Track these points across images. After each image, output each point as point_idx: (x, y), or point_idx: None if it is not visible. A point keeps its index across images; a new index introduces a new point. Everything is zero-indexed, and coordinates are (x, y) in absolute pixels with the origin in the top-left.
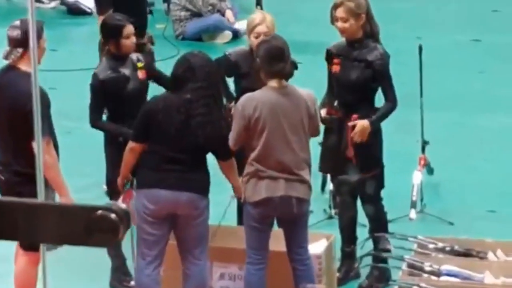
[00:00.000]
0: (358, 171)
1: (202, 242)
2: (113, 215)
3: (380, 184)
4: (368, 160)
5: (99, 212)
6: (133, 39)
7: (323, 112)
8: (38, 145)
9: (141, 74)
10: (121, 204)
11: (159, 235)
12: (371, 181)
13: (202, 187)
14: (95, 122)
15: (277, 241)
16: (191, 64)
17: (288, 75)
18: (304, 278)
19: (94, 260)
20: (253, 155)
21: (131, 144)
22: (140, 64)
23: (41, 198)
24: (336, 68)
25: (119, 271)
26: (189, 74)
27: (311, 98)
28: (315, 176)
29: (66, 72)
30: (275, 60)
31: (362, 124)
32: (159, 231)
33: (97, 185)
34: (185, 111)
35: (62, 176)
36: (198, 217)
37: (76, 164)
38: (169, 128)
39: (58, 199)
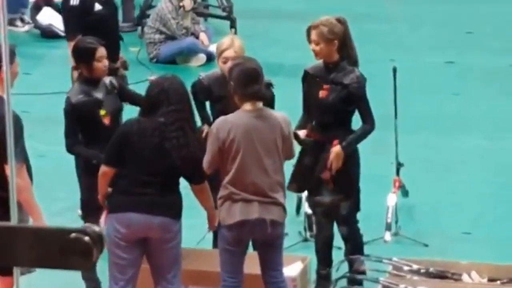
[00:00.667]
0: (332, 192)
1: (175, 266)
2: (86, 238)
3: (356, 206)
4: (343, 183)
5: (73, 234)
6: (106, 62)
7: (302, 133)
8: (11, 168)
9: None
10: (95, 226)
11: (131, 259)
12: (346, 203)
13: (174, 210)
14: (71, 148)
15: (252, 263)
16: (164, 87)
17: (262, 97)
18: None
19: (69, 284)
20: (227, 178)
21: (103, 168)
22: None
23: (14, 221)
24: (323, 94)
25: None
26: (162, 97)
27: (285, 121)
28: (290, 199)
29: (39, 95)
30: (249, 82)
31: (335, 151)
32: (131, 255)
33: (71, 209)
34: (159, 134)
35: (36, 200)
36: (170, 241)
37: (49, 188)
38: (142, 152)
39: (32, 223)
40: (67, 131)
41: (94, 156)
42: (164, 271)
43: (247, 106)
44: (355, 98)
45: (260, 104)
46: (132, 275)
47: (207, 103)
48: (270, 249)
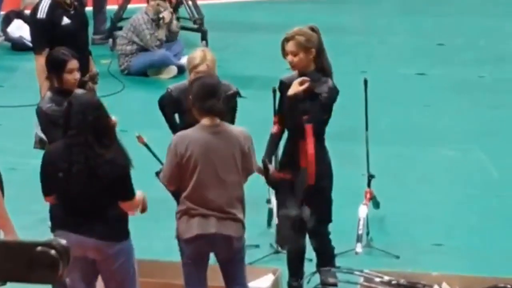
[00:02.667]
0: (300, 205)
1: (125, 287)
2: (52, 251)
3: (326, 218)
4: (312, 195)
5: (39, 248)
6: (76, 75)
7: (272, 169)
8: None
9: None
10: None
11: (77, 276)
12: (317, 215)
13: (109, 234)
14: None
15: (219, 276)
16: (71, 109)
17: (219, 112)
18: None
19: None
20: (185, 193)
21: (46, 199)
22: None
23: None
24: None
25: None
26: (67, 119)
27: (244, 136)
28: (261, 211)
29: (10, 108)
30: (206, 97)
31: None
32: (75, 272)
33: (43, 222)
34: (67, 159)
35: (7, 214)
36: (112, 264)
37: (21, 201)
38: (59, 178)
39: (2, 236)
40: (44, 130)
41: None
42: None
43: (205, 121)
44: (320, 104)
45: (217, 120)
46: None
47: (177, 116)
48: (231, 264)
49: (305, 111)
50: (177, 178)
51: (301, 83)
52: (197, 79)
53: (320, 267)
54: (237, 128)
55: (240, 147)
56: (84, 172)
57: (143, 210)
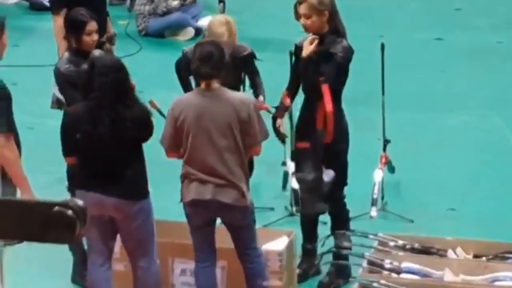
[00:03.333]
0: (316, 169)
1: (143, 247)
2: (69, 212)
3: (342, 182)
4: (329, 158)
5: (56, 208)
6: (95, 37)
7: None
8: None
9: None
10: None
11: (97, 234)
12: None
13: (128, 193)
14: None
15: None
16: (93, 71)
17: (206, 77)
18: (253, 276)
19: (57, 255)
20: (184, 158)
21: (66, 160)
22: None
23: None
24: None
25: (81, 266)
26: (89, 81)
27: (243, 102)
28: (277, 174)
29: (28, 68)
30: (202, 62)
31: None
32: (95, 230)
33: (60, 182)
34: (90, 121)
35: (24, 173)
36: (131, 223)
37: (38, 161)
38: (83, 139)
39: (19, 196)
40: (64, 96)
41: None
42: (133, 251)
43: (202, 85)
44: (335, 64)
45: (215, 85)
46: (103, 249)
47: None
48: (237, 230)
49: (320, 73)
50: (175, 142)
51: (311, 42)
52: (198, 44)
53: (334, 231)
54: (236, 94)
55: (237, 114)
56: (108, 134)
57: None
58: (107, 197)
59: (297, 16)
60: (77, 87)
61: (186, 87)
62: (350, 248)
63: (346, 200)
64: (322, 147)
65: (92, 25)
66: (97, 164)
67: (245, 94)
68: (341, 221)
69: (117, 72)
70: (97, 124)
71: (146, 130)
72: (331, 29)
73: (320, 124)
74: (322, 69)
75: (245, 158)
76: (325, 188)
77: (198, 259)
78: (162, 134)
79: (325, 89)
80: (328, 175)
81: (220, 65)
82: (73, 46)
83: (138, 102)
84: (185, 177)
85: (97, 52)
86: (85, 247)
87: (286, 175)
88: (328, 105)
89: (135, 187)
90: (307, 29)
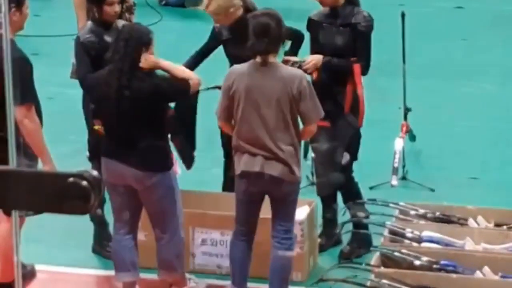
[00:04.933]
0: (330, 139)
1: (164, 220)
2: (84, 182)
3: (355, 155)
4: (343, 130)
5: (71, 179)
6: (117, 7)
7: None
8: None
9: None
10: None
11: (120, 203)
12: (343, 150)
13: (146, 164)
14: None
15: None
16: (119, 35)
17: (260, 53)
18: (276, 261)
19: (77, 225)
20: (235, 128)
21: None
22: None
23: (12, 164)
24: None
25: (101, 237)
26: (113, 44)
27: (296, 78)
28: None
29: (48, 37)
30: (258, 37)
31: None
32: (119, 198)
33: (80, 151)
34: (110, 85)
35: (45, 143)
36: (151, 195)
37: (59, 130)
38: (106, 104)
39: (41, 166)
40: (77, 63)
41: None
42: (154, 222)
43: (258, 59)
44: (360, 36)
45: (270, 59)
46: (127, 218)
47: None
48: (280, 204)
49: (343, 46)
50: (227, 112)
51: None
52: (253, 17)
53: (346, 201)
54: (288, 70)
55: (287, 90)
56: (127, 99)
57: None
58: (127, 166)
59: None
60: (91, 57)
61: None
62: (368, 217)
63: (366, 169)
64: (347, 134)
65: None
66: (117, 132)
67: (298, 70)
68: (350, 194)
69: (139, 38)
70: (116, 88)
71: (163, 99)
72: (347, 0)
73: (348, 108)
74: (343, 41)
75: (296, 136)
76: (338, 159)
77: (237, 232)
78: (218, 103)
79: (357, 69)
80: (344, 157)
81: (278, 38)
82: (95, 17)
83: (153, 75)
84: (236, 149)
85: (120, 23)
86: (105, 217)
87: (307, 143)
88: (360, 90)
89: (153, 158)
90: (323, 2)
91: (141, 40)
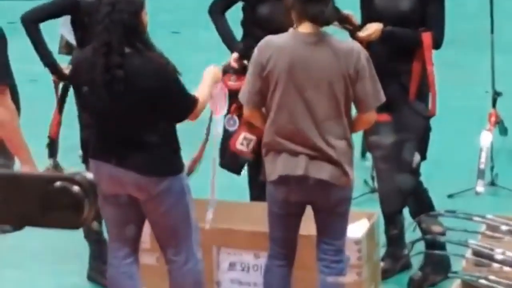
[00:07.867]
0: (395, 131)
1: (175, 237)
2: (75, 188)
3: (423, 154)
4: (410, 120)
5: (58, 183)
6: None
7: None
8: None
9: None
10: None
11: (116, 218)
12: (412, 145)
13: (150, 166)
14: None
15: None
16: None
17: (325, 22)
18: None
19: (67, 245)
20: (269, 119)
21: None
22: None
23: None
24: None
25: (99, 259)
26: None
27: (352, 54)
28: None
29: (30, 1)
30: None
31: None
32: (114, 212)
33: (70, 149)
34: (92, 67)
35: (23, 138)
36: (158, 206)
37: (43, 121)
38: (90, 95)
39: (18, 167)
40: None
41: None
42: (164, 241)
43: (303, 27)
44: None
45: (319, 29)
46: (126, 237)
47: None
48: (326, 217)
49: (408, 11)
50: (258, 97)
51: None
52: None
53: (415, 214)
54: (344, 43)
55: (342, 68)
56: (118, 85)
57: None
58: (125, 170)
59: None
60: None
61: (226, 34)
62: (444, 234)
63: (445, 170)
64: (421, 128)
65: None
66: (105, 126)
67: (354, 42)
68: (420, 202)
69: (128, 4)
70: (98, 72)
71: (164, 83)
72: None
73: (414, 93)
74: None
75: (351, 126)
76: (406, 156)
77: (273, 254)
78: (242, 86)
79: (427, 41)
80: (415, 158)
81: (335, 8)
82: None
83: (155, 50)
84: (269, 148)
85: None
86: (104, 234)
87: (364, 138)
88: (431, 65)
89: (160, 158)
90: None
91: (133, 5)
